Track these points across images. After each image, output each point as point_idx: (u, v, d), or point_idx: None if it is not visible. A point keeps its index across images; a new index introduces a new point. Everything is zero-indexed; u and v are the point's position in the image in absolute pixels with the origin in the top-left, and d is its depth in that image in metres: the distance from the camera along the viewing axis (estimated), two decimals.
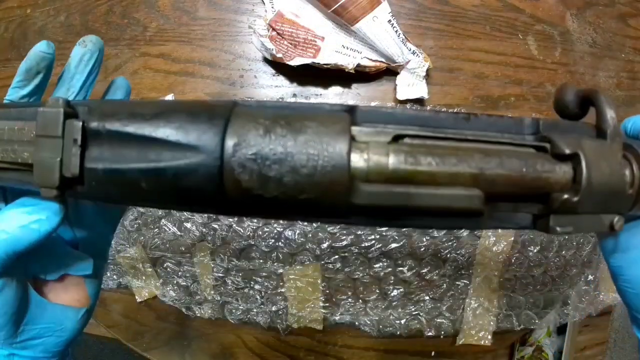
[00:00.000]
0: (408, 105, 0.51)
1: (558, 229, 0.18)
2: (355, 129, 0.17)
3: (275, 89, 0.53)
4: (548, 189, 0.17)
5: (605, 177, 0.18)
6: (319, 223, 0.50)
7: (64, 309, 0.25)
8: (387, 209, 0.16)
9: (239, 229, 0.51)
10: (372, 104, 0.52)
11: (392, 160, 0.16)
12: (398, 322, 0.53)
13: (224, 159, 0.16)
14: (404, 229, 0.51)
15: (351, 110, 0.17)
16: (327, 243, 0.51)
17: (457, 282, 0.53)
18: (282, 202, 0.16)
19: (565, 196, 0.17)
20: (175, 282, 0.53)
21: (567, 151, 0.17)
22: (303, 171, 0.16)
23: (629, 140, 0.20)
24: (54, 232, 0.21)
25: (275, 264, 0.51)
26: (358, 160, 0.16)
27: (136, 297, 0.54)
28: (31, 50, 0.25)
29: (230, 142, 0.16)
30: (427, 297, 0.53)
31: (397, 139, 0.17)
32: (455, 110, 0.51)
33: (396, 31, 0.49)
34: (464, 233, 0.52)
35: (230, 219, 0.51)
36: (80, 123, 0.18)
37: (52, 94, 0.24)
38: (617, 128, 0.19)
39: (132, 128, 0.17)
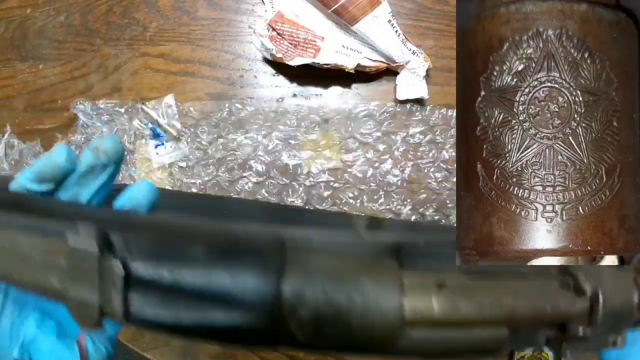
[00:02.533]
0: (408, 106, 0.51)
1: (568, 353, 0.19)
2: (402, 274, 0.18)
3: (275, 89, 0.53)
4: (565, 320, 0.19)
5: (617, 308, 0.19)
6: None
7: None
8: (428, 353, 0.17)
9: None
10: (373, 104, 0.52)
11: (437, 307, 0.17)
12: None
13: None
14: None
15: (397, 251, 0.18)
16: None
17: None
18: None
19: (581, 330, 0.19)
20: None
21: (588, 292, 0.19)
22: (354, 319, 0.16)
23: None
24: None
25: None
26: (406, 306, 0.17)
27: None
28: (48, 156, 0.21)
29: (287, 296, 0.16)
30: None
31: (439, 285, 0.18)
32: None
33: (396, 31, 0.49)
34: None
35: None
36: (121, 266, 0.16)
37: None
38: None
39: (182, 276, 0.16)
